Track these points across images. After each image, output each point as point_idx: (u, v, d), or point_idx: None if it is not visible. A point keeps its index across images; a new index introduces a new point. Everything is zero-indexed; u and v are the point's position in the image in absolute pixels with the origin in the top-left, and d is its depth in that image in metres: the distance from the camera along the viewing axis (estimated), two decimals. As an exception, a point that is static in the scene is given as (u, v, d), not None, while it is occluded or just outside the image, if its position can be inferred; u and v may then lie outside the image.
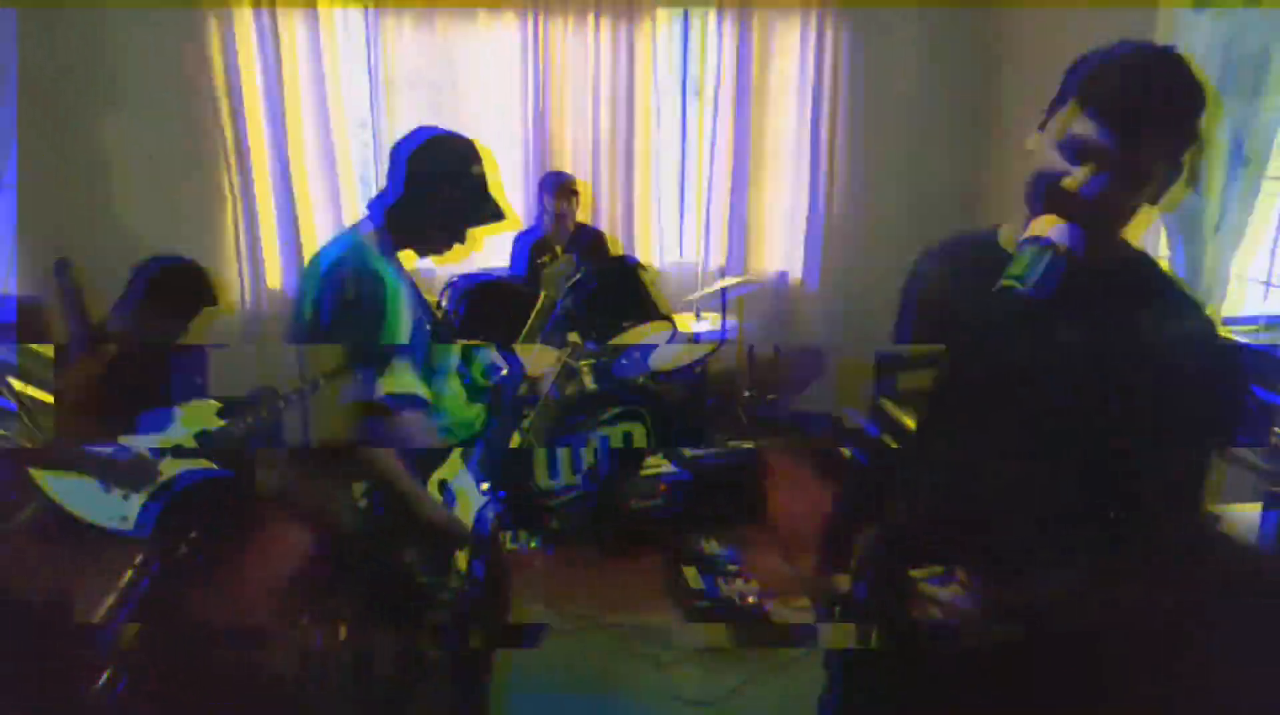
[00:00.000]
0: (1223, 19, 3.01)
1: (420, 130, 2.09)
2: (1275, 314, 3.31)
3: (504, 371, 2.24)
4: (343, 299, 1.93)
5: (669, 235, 4.85)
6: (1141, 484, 1.29)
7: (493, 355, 2.25)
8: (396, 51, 4.38)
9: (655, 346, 3.82)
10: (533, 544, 3.61)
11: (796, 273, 4.85)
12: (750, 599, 3.22)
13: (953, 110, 4.50)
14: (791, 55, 4.57)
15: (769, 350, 4.72)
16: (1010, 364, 1.33)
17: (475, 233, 2.12)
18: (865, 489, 1.70)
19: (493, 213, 2.10)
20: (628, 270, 3.91)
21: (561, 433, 3.46)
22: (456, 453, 2.15)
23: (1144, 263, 1.36)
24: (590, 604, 3.29)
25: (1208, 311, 1.35)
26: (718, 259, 4.78)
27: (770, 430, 4.14)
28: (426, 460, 2.10)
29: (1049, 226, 1.24)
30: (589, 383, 3.62)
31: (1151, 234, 3.39)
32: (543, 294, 2.41)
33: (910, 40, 4.48)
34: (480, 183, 2.08)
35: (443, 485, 2.11)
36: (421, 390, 1.97)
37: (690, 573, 3.34)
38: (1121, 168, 1.22)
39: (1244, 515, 2.42)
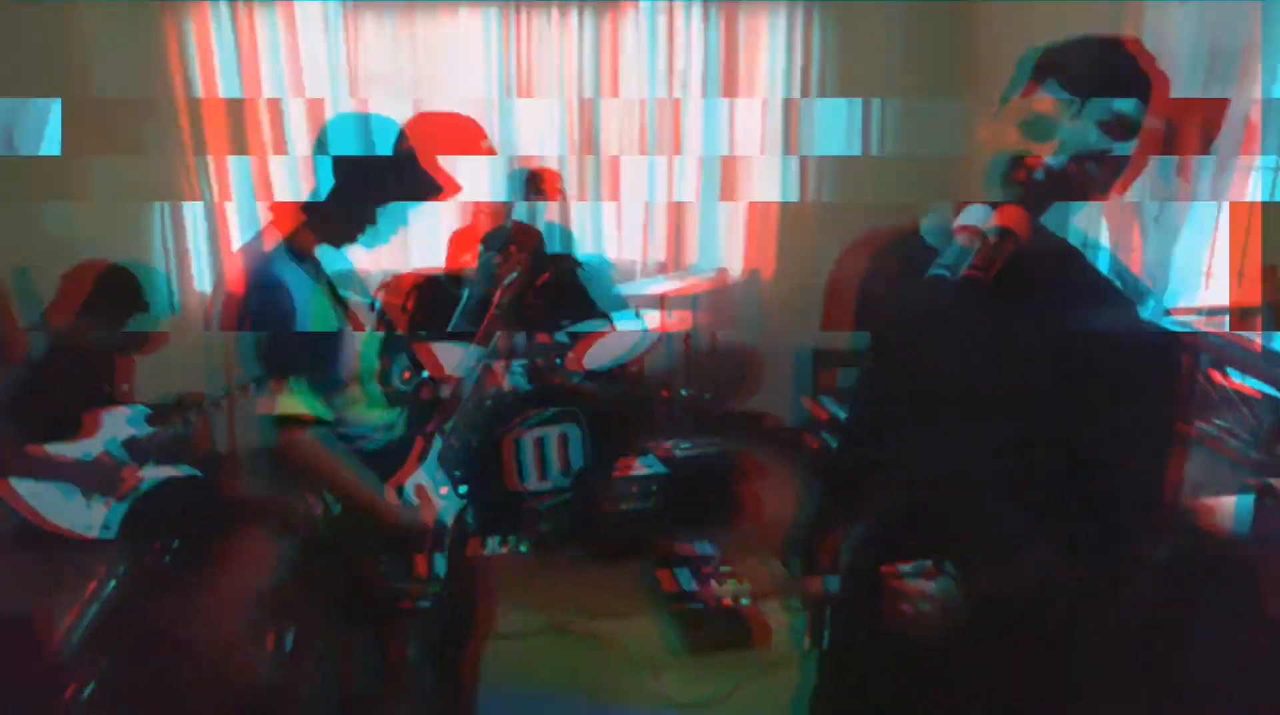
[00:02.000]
0: (1193, 12, 3.01)
1: (338, 116, 2.03)
2: (1218, 305, 3.30)
3: (425, 373, 2.20)
4: (245, 310, 1.89)
5: (638, 230, 4.79)
6: (1089, 474, 1.28)
7: (409, 358, 2.21)
8: (368, 45, 4.31)
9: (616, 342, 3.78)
10: (521, 548, 3.57)
11: (769, 268, 4.81)
12: (736, 599, 3.20)
13: (928, 101, 4.47)
14: (767, 47, 4.53)
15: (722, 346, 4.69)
16: (936, 355, 1.34)
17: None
18: (835, 482, 1.71)
19: (428, 188, 2.03)
20: (571, 266, 3.87)
21: (490, 435, 3.43)
22: (415, 455, 2.11)
23: (1071, 252, 1.37)
24: (574, 607, 3.27)
25: (1143, 300, 1.36)
26: (690, 255, 4.74)
27: (709, 429, 4.09)
28: (383, 464, 2.06)
29: (989, 215, 1.24)
30: (520, 383, 3.58)
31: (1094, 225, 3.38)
32: (467, 291, 2.35)
33: (886, 33, 4.45)
34: (409, 159, 2.01)
35: (400, 490, 2.08)
36: (318, 410, 1.92)
37: (673, 574, 3.31)
38: (1084, 147, 1.24)
39: (1224, 506, 2.43)
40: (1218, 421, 2.41)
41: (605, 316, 3.80)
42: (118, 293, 3.03)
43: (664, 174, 4.78)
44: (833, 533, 1.65)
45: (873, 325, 1.45)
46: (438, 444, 2.15)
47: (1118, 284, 1.33)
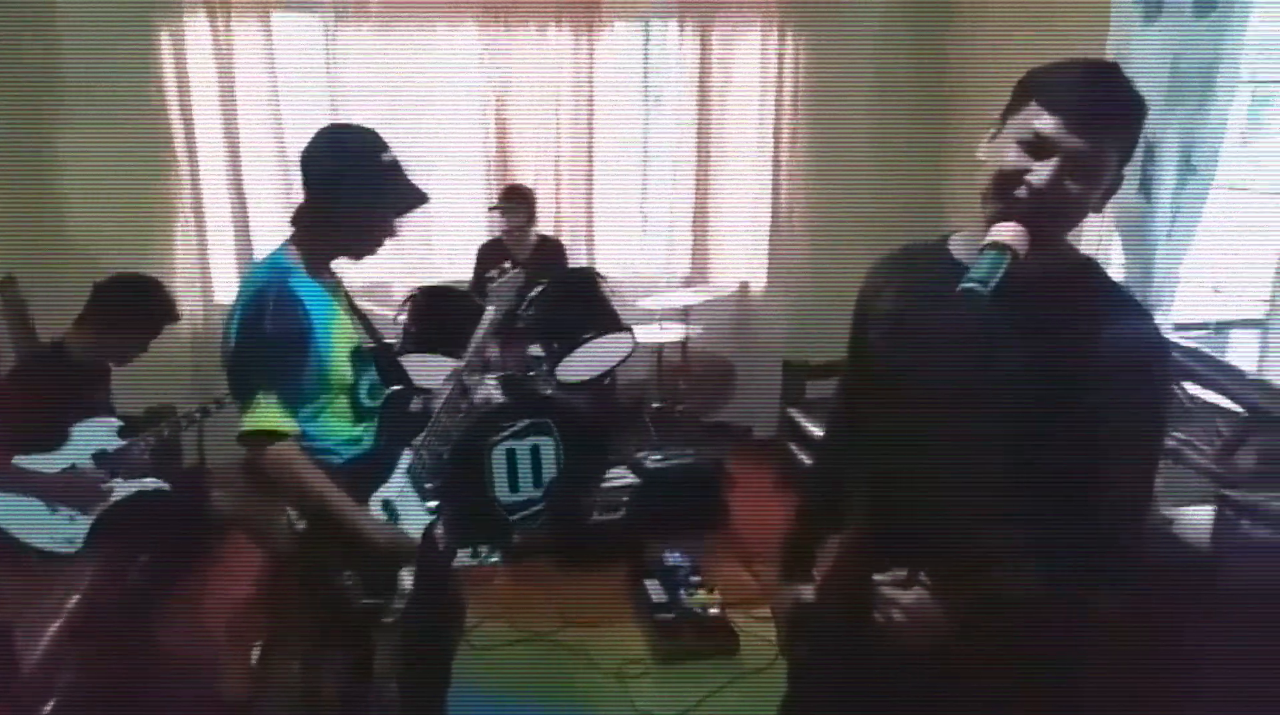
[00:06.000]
0: (1171, 31, 3.04)
1: (320, 131, 2.04)
2: (1225, 319, 3.35)
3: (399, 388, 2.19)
4: (259, 328, 1.89)
5: (631, 245, 4.84)
6: (1089, 487, 1.30)
7: (381, 371, 2.20)
8: (354, 60, 4.32)
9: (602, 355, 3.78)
10: (493, 559, 3.57)
11: (759, 281, 4.85)
12: (713, 609, 3.21)
13: (908, 119, 4.52)
14: (749, 64, 4.58)
15: (703, 359, 4.69)
16: (964, 370, 1.36)
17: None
18: (820, 493, 1.71)
19: (414, 198, 2.04)
20: (587, 281, 3.87)
21: (463, 447, 3.42)
22: (398, 470, 2.11)
23: (1090, 267, 1.41)
24: (552, 617, 3.27)
25: (1153, 316, 1.43)
26: (681, 269, 4.78)
27: (682, 441, 4.12)
28: (365, 478, 2.05)
29: (1008, 231, 1.29)
30: (493, 395, 3.58)
31: (1106, 242, 3.42)
32: (489, 307, 2.36)
33: (865, 51, 4.51)
34: (392, 170, 2.02)
35: (386, 503, 2.07)
36: (287, 425, 1.91)
37: (651, 585, 3.32)
38: (1081, 160, 1.28)
39: (1196, 518, 2.44)
40: (1181, 433, 2.43)
41: (628, 329, 3.80)
42: (152, 304, 3.04)
43: (648, 190, 4.84)
44: (808, 544, 1.66)
45: (902, 341, 1.45)
46: (409, 458, 2.14)
47: (1134, 297, 1.38)
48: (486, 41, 4.40)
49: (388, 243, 2.05)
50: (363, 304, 2.33)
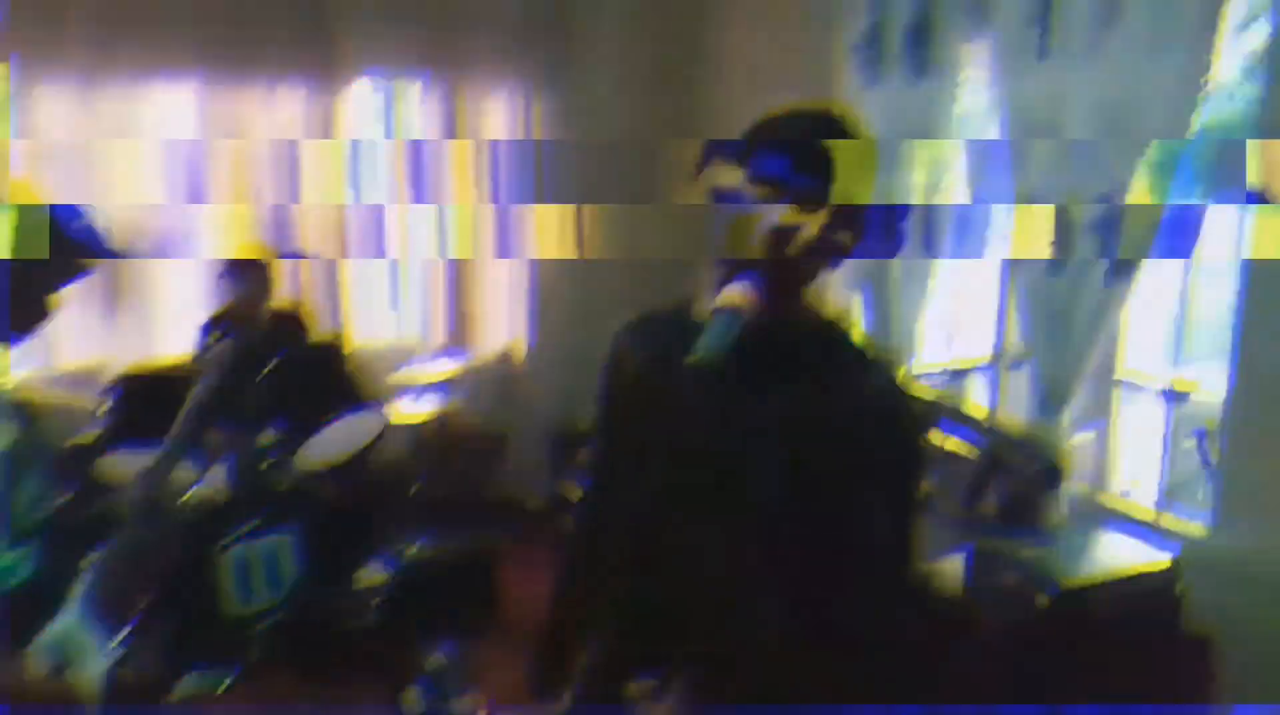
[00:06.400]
0: (893, 94, 3.21)
1: None
2: (961, 366, 3.52)
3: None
4: None
5: (383, 313, 4.55)
6: (850, 550, 1.27)
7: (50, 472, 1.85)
8: (46, 118, 3.83)
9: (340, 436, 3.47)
10: (221, 687, 3.09)
11: (521, 347, 4.69)
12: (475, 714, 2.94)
13: (666, 173, 4.53)
14: (499, 121, 4.49)
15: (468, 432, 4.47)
16: (710, 440, 1.30)
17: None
18: (574, 578, 1.61)
19: (71, 272, 1.72)
20: (329, 354, 3.55)
21: (184, 552, 2.99)
22: (74, 601, 1.74)
23: (834, 324, 1.37)
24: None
25: (898, 368, 1.37)
26: (438, 337, 4.54)
27: (449, 523, 3.86)
28: (26, 615, 1.68)
29: (736, 292, 1.22)
30: (218, 490, 3.19)
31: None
32: (195, 387, 2.06)
33: (614, 110, 4.49)
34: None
35: (55, 645, 1.70)
36: None
37: (412, 693, 3.00)
38: (811, 205, 1.23)
39: (949, 566, 2.48)
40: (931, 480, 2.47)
41: (379, 405, 3.47)
42: None
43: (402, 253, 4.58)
44: (572, 637, 1.55)
45: (647, 412, 1.39)
46: (87, 583, 1.78)
47: (872, 354, 1.34)
48: (212, 97, 4.06)
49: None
50: (63, 393, 1.95)
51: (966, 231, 3.39)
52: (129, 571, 1.89)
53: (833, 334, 1.36)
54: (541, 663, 1.59)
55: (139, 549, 1.93)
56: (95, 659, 1.72)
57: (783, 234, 1.23)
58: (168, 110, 4.05)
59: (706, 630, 1.32)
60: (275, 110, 4.14)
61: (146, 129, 4.00)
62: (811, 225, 1.23)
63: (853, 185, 1.26)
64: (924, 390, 2.94)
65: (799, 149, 1.24)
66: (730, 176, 1.26)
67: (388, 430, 3.57)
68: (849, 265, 2.94)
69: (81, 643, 1.72)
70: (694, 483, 1.32)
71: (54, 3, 3.74)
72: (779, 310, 1.24)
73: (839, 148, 1.25)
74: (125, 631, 1.81)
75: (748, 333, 1.21)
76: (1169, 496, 2.80)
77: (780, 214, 1.23)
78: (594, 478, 1.59)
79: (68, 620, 1.72)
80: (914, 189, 3.17)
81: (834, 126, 1.28)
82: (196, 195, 4.10)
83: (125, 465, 2.58)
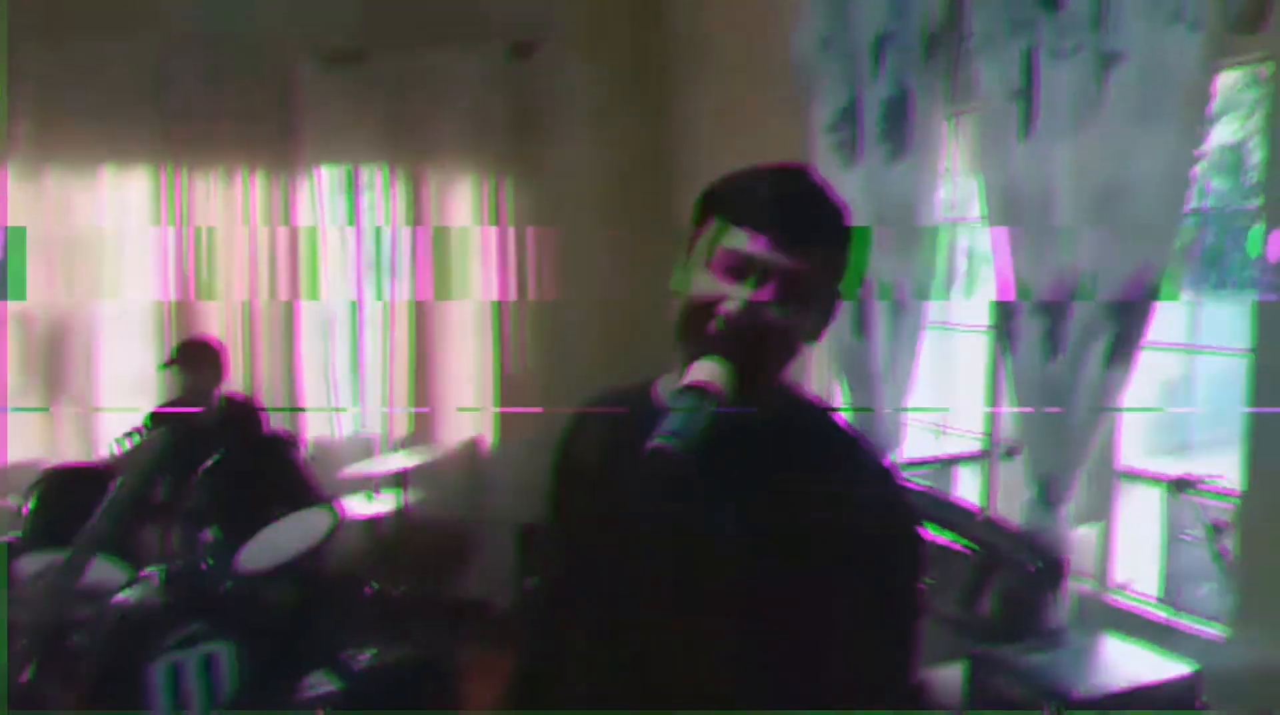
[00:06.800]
0: (870, 176, 3.12)
1: None
2: (950, 455, 3.36)
3: None
4: None
5: (340, 405, 4.38)
6: (839, 661, 1.12)
7: None
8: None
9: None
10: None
11: (488, 438, 4.50)
12: None
13: (637, 257, 4.44)
14: (464, 208, 4.39)
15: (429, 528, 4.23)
16: (674, 534, 1.15)
17: None
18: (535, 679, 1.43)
19: None
20: (275, 446, 3.34)
21: (108, 664, 2.73)
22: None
23: (815, 410, 1.24)
24: None
25: (886, 458, 1.24)
26: (400, 429, 4.37)
27: (404, 629, 3.59)
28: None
29: (705, 371, 1.07)
30: (150, 595, 2.93)
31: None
32: (117, 480, 1.87)
33: (585, 196, 4.41)
34: None
35: None
36: None
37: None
38: (779, 278, 1.11)
39: (946, 676, 2.26)
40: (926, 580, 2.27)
41: (328, 502, 3.26)
42: None
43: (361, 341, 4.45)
44: None
45: (598, 503, 1.26)
46: None
47: (858, 442, 1.20)
48: (166, 185, 3.97)
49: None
50: None
51: (953, 316, 3.29)
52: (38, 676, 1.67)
53: (814, 420, 1.22)
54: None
55: (48, 652, 1.72)
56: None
57: (750, 310, 1.10)
58: (125, 199, 3.99)
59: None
60: (233, 199, 4.07)
61: (104, 217, 3.94)
62: (776, 299, 1.11)
63: (821, 250, 1.14)
64: (913, 483, 2.76)
65: (760, 219, 1.12)
66: (731, 240, 1.13)
67: (340, 527, 3.33)
68: (828, 352, 2.80)
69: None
70: (655, 580, 1.16)
71: (15, 90, 3.68)
72: (752, 392, 1.10)
73: (803, 214, 1.14)
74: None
75: (717, 417, 1.06)
76: (1177, 596, 2.61)
77: (745, 288, 1.10)
78: (547, 568, 1.45)
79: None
80: (896, 272, 3.07)
81: (797, 186, 1.17)
82: (147, 285, 4.01)
83: (38, 565, 2.34)
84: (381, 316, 4.39)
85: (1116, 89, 2.34)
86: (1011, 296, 2.66)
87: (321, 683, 3.13)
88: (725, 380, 1.07)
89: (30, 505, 2.93)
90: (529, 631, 1.48)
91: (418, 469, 3.83)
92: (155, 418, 3.56)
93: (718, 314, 1.10)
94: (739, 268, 1.11)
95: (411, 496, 3.80)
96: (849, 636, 1.11)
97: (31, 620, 1.72)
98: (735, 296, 1.10)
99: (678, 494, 1.11)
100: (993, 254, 2.73)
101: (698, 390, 1.07)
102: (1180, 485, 2.31)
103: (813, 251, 1.12)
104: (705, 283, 1.13)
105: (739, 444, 1.09)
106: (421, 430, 4.39)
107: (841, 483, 1.12)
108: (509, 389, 4.46)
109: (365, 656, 3.27)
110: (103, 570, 2.71)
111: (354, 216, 4.41)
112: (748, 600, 1.10)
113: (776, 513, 1.10)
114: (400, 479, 3.77)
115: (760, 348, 1.11)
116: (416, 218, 4.32)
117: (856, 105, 3.15)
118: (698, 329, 1.12)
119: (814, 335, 1.18)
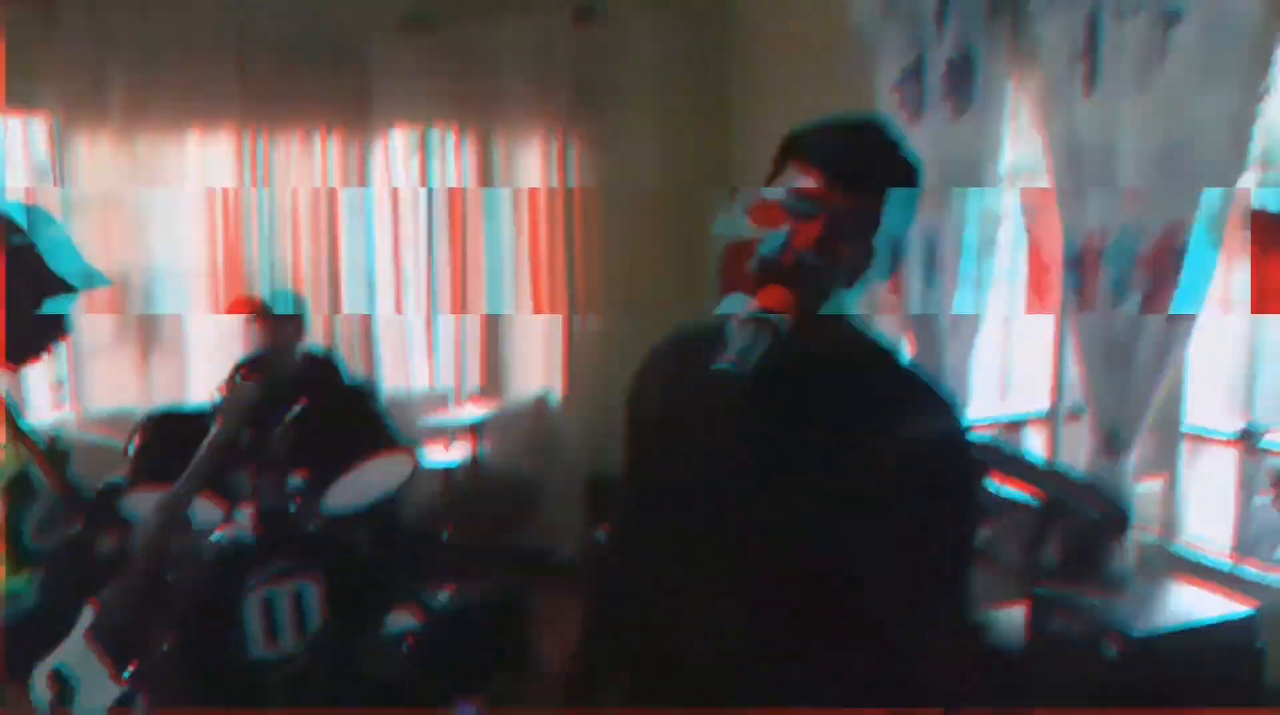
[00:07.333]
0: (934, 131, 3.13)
1: None
2: (1017, 414, 3.37)
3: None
4: None
5: (420, 359, 4.51)
6: (891, 593, 1.16)
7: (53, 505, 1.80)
8: (88, 169, 3.88)
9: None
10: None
11: (558, 392, 4.60)
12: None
13: (699, 215, 4.48)
14: (532, 169, 4.47)
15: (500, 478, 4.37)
16: (743, 462, 1.20)
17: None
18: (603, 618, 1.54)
19: (61, 283, 1.72)
20: (358, 397, 3.48)
21: (205, 597, 2.88)
22: (76, 631, 1.66)
23: (880, 349, 1.27)
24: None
25: (952, 403, 1.25)
26: (473, 381, 4.49)
27: (477, 573, 3.73)
28: (28, 643, 1.60)
29: (765, 300, 1.14)
30: (243, 533, 3.07)
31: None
32: (214, 427, 2.01)
33: (650, 151, 4.46)
34: (26, 253, 1.70)
35: (58, 674, 1.61)
36: None
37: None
38: (823, 219, 1.15)
39: (1009, 616, 2.31)
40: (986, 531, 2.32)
41: (409, 449, 3.40)
42: None
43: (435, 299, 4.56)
44: (599, 683, 1.51)
45: (673, 433, 1.31)
46: (90, 615, 1.70)
47: (931, 382, 1.24)
48: (249, 148, 4.10)
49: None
50: (98, 437, 1.94)
51: (1020, 276, 3.29)
52: (136, 607, 1.81)
53: (874, 356, 1.26)
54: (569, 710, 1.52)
55: (148, 586, 1.86)
56: (96, 693, 1.63)
57: (786, 248, 1.16)
58: (206, 160, 4.13)
59: (739, 680, 1.21)
60: (312, 160, 4.20)
61: (185, 178, 4.08)
62: (839, 237, 1.16)
63: (885, 196, 1.18)
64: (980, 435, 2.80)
65: (830, 164, 1.17)
66: (797, 178, 1.19)
67: (417, 475, 3.48)
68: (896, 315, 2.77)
69: (81, 675, 1.63)
70: (720, 510, 1.22)
71: (95, 53, 3.82)
72: (806, 326, 1.15)
73: (871, 161, 1.20)
74: (132, 668, 1.70)
75: (781, 345, 1.12)
76: (1242, 548, 2.61)
77: (811, 228, 1.16)
78: (623, 501, 1.49)
79: (69, 651, 1.64)
80: (958, 232, 3.08)
81: (869, 136, 1.23)
82: (232, 243, 4.15)
83: (144, 504, 2.51)
84: (455, 277, 4.49)
85: (1179, 45, 2.33)
86: (1074, 252, 2.67)
87: (404, 618, 3.30)
88: (782, 309, 1.13)
89: (133, 447, 3.10)
90: (598, 577, 1.57)
91: (488, 421, 3.95)
92: (242, 369, 3.73)
93: (785, 251, 1.16)
94: (786, 211, 1.17)
95: (483, 447, 3.93)
96: (907, 566, 1.15)
97: (138, 555, 1.86)
98: (800, 234, 1.15)
99: (739, 418, 1.17)
100: (1056, 211, 2.74)
101: (755, 321, 1.13)
102: (1247, 435, 2.32)
103: (874, 193, 1.17)
104: (769, 221, 1.18)
105: (798, 373, 1.16)
106: (493, 383, 4.51)
107: (900, 416, 1.16)
108: (579, 344, 4.56)
109: (443, 597, 3.44)
110: (201, 509, 2.89)
111: (425, 177, 4.50)
112: (807, 535, 1.15)
113: (834, 441, 1.15)
114: (472, 430, 3.90)
115: (801, 284, 1.15)
116: (484, 178, 4.41)
117: (921, 64, 3.17)
118: (762, 264, 1.17)
119: (852, 280, 1.21)
